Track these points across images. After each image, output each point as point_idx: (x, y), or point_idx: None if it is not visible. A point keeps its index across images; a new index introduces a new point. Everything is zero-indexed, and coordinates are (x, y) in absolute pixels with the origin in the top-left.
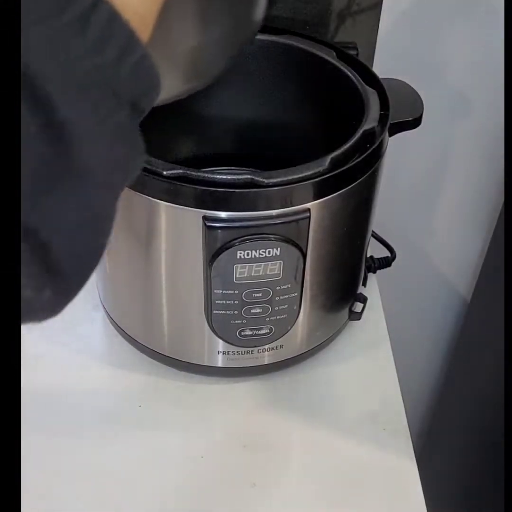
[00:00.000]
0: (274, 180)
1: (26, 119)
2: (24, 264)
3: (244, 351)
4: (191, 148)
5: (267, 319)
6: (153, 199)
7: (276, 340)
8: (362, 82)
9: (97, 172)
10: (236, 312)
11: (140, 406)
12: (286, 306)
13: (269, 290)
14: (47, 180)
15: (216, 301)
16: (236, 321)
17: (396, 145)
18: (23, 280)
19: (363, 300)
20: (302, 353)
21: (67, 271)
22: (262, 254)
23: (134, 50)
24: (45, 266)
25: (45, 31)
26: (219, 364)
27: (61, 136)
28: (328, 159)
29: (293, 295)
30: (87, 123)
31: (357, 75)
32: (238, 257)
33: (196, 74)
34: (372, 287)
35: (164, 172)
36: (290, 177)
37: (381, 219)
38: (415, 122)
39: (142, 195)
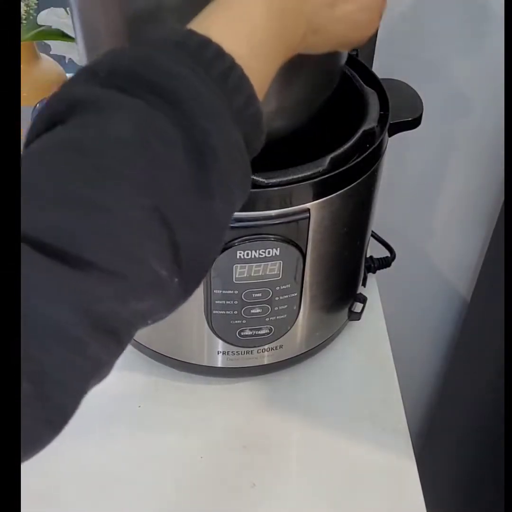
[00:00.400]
0: (274, 180)
1: (178, 143)
2: (161, 254)
3: (244, 351)
4: None
5: (267, 319)
6: None
7: (275, 340)
8: (361, 82)
9: (225, 186)
10: (235, 312)
11: (139, 406)
12: (285, 306)
13: (269, 290)
14: (189, 192)
15: (216, 301)
16: (236, 321)
17: (395, 145)
18: (160, 263)
19: (363, 300)
20: (302, 353)
21: (188, 269)
22: (261, 254)
23: (253, 104)
24: (175, 260)
25: (195, 79)
26: (219, 364)
27: (205, 155)
28: (327, 159)
29: (293, 295)
30: (222, 146)
31: (357, 75)
32: (237, 257)
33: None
34: (372, 287)
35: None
36: (289, 177)
37: (380, 219)
38: (415, 122)
39: None
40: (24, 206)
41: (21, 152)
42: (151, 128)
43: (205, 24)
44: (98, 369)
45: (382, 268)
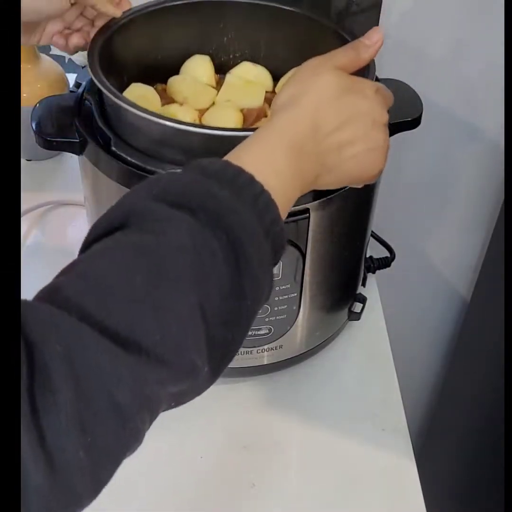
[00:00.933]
0: None
1: (219, 252)
2: (199, 346)
3: (244, 351)
4: None
5: (267, 319)
6: None
7: (275, 340)
8: None
9: (256, 288)
10: None
11: None
12: (285, 306)
13: None
14: (226, 293)
15: None
16: None
17: (395, 146)
18: (198, 354)
19: (363, 300)
20: (302, 353)
21: (217, 358)
22: None
23: (279, 223)
24: (208, 351)
25: (232, 199)
26: None
27: (240, 262)
28: None
29: (293, 295)
30: (255, 255)
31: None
32: None
33: None
34: (372, 287)
35: (164, 173)
36: None
37: (380, 219)
38: (415, 123)
39: None
40: (96, 297)
41: (79, 253)
42: (199, 239)
43: (240, 159)
44: (134, 442)
45: (382, 268)
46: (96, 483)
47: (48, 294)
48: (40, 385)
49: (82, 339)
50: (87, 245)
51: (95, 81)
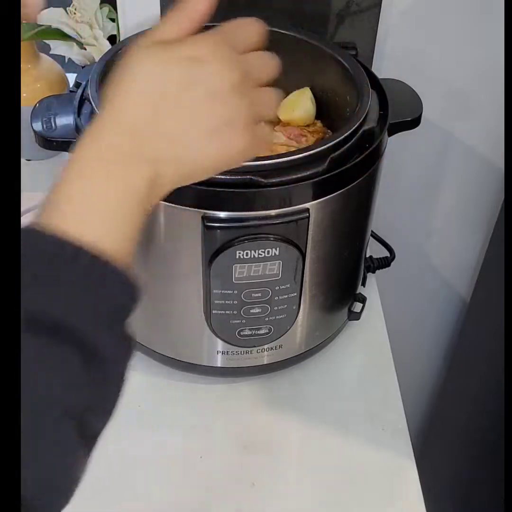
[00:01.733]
0: (273, 180)
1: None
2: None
3: (243, 351)
4: None
5: (266, 319)
6: None
7: (275, 340)
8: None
9: (114, 375)
10: (235, 312)
11: (139, 406)
12: (285, 306)
13: (268, 290)
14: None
15: (215, 301)
16: (235, 321)
17: (395, 145)
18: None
19: (362, 300)
20: (302, 353)
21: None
22: (261, 254)
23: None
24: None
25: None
26: (219, 364)
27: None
28: (327, 159)
29: (292, 295)
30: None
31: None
32: (237, 257)
33: None
34: (371, 287)
35: None
36: (289, 177)
37: (380, 219)
38: (414, 122)
39: None
40: None
41: None
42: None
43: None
44: None
45: (382, 268)
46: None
47: None
48: None
49: None
50: None
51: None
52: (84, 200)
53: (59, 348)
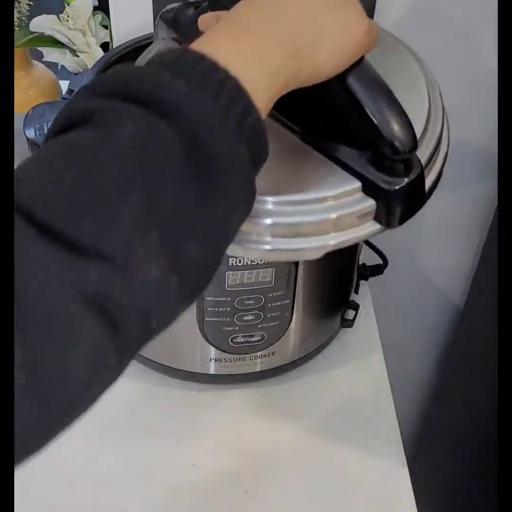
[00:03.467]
0: None
1: (177, 147)
2: (149, 250)
3: (237, 358)
4: None
5: (259, 326)
6: None
7: (268, 347)
8: None
9: (230, 197)
10: (228, 319)
11: (132, 413)
12: (278, 313)
13: (261, 297)
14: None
15: (208, 308)
16: (228, 328)
17: None
18: (148, 258)
19: (355, 307)
20: (294, 360)
21: (184, 276)
22: (254, 261)
23: (252, 113)
24: (170, 265)
25: (191, 90)
26: (212, 371)
27: (205, 165)
28: None
29: (285, 302)
30: (225, 157)
31: None
32: (230, 264)
33: None
34: (364, 295)
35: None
36: None
37: None
38: None
39: None
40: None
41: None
42: (151, 132)
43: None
44: (100, 361)
45: (375, 275)
46: (46, 416)
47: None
48: None
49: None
50: (47, 135)
51: None
52: (228, 50)
53: (159, 123)
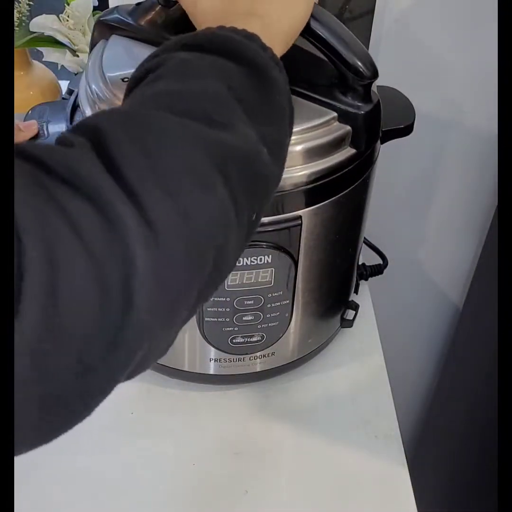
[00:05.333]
0: None
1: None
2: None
3: (236, 359)
4: None
5: (259, 326)
6: None
7: (267, 347)
8: None
9: (282, 95)
10: (227, 319)
11: (132, 413)
12: (277, 313)
13: (261, 297)
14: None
15: (208, 309)
16: (228, 329)
17: (388, 153)
18: (250, 134)
19: (355, 307)
20: (294, 361)
21: (273, 149)
22: (253, 262)
23: (279, 62)
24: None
25: (247, 42)
26: (211, 371)
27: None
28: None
29: (285, 302)
30: (277, 78)
31: None
32: None
33: None
34: (364, 295)
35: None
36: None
37: (373, 226)
38: (407, 130)
39: None
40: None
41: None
42: (229, 71)
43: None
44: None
45: (375, 275)
46: (200, 262)
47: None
48: (106, 156)
49: (134, 111)
50: (128, 92)
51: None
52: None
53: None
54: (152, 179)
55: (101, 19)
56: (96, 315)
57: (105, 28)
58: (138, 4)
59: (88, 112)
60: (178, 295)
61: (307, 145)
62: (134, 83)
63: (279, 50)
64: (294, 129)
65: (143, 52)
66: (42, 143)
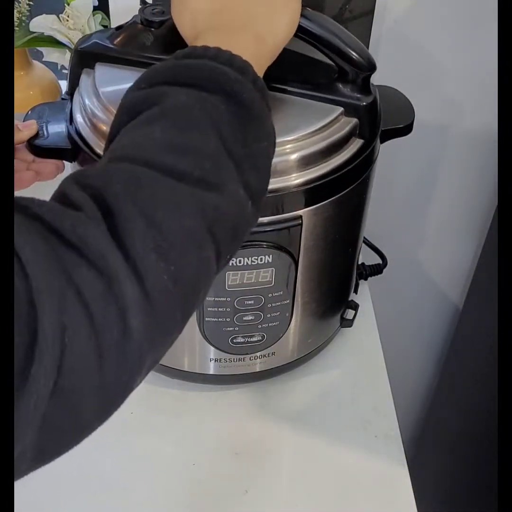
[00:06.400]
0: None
1: (221, 104)
2: (233, 177)
3: (236, 359)
4: None
5: (259, 326)
6: None
7: (268, 347)
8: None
9: (262, 128)
10: (228, 319)
11: (132, 413)
12: (278, 313)
13: (261, 297)
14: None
15: (208, 309)
16: (228, 329)
17: (387, 152)
18: (235, 184)
19: (355, 307)
20: (294, 360)
21: (254, 190)
22: (254, 261)
23: (259, 79)
24: (245, 184)
25: (217, 66)
26: (211, 371)
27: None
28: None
29: (285, 302)
30: (252, 101)
31: None
32: (230, 264)
33: None
34: (364, 294)
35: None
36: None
37: (373, 226)
38: (407, 129)
39: None
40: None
41: (106, 143)
42: (203, 100)
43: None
44: (208, 274)
45: (374, 275)
46: (184, 314)
47: (99, 163)
48: (113, 226)
49: (139, 175)
50: (115, 133)
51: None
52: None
53: (213, 95)
54: (154, 251)
55: (80, 48)
56: (94, 378)
57: (85, 56)
58: (117, 28)
59: (82, 126)
60: (165, 350)
61: (321, 145)
62: (126, 115)
63: (268, 62)
64: (307, 132)
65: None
66: (47, 203)
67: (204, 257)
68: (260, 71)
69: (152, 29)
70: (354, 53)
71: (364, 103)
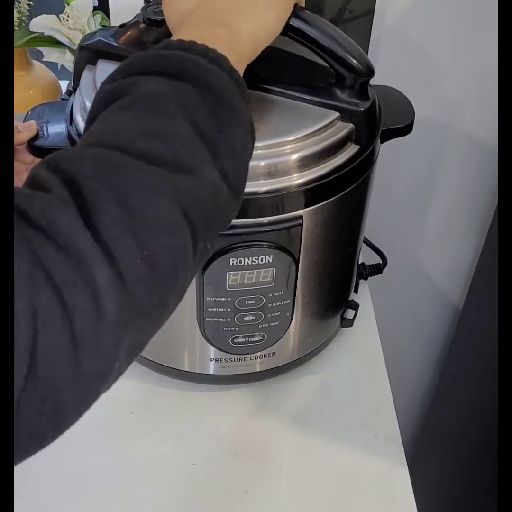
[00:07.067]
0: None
1: (192, 92)
2: (207, 160)
3: (237, 359)
4: None
5: (260, 326)
6: None
7: (268, 347)
8: None
9: (236, 120)
10: (228, 319)
11: (132, 413)
12: (278, 313)
13: (262, 297)
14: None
15: (209, 309)
16: (229, 329)
17: (388, 152)
18: (209, 166)
19: (355, 307)
20: (294, 360)
21: (229, 174)
22: (254, 261)
23: (235, 71)
24: (220, 168)
25: (190, 56)
26: (211, 371)
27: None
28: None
29: (286, 302)
30: (225, 90)
31: None
32: (230, 264)
33: None
34: (364, 294)
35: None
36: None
37: (373, 225)
38: (407, 129)
39: None
40: (113, 136)
41: (84, 128)
42: (174, 87)
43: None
44: (184, 263)
45: (374, 274)
46: (161, 296)
47: (71, 149)
48: (83, 208)
49: (111, 159)
50: (91, 120)
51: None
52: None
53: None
54: (127, 233)
55: (84, 44)
56: (70, 363)
57: (89, 53)
58: (121, 26)
59: (82, 126)
60: (147, 335)
61: (315, 148)
62: (102, 105)
63: (250, 58)
64: (302, 135)
65: None
66: (17, 187)
67: (179, 238)
68: (239, 66)
69: (154, 27)
70: (352, 59)
71: (361, 109)
